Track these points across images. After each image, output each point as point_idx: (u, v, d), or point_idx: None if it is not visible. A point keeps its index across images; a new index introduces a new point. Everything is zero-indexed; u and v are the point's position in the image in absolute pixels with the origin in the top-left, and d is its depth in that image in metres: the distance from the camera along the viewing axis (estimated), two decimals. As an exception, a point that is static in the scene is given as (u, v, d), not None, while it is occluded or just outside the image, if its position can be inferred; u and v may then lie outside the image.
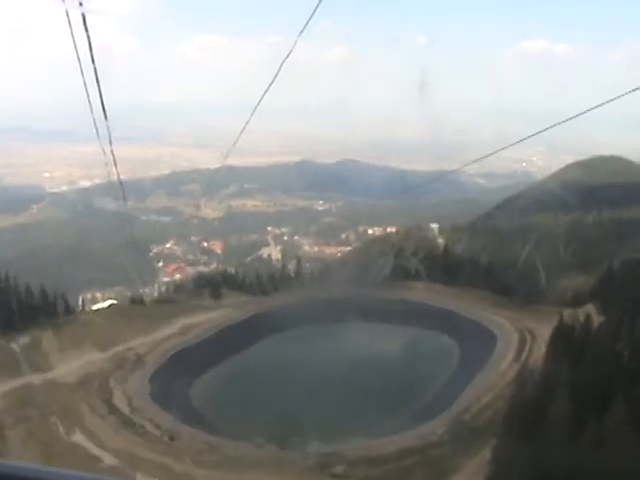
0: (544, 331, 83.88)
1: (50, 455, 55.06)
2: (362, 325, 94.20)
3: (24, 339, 78.48)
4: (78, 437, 59.28)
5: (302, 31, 11.04)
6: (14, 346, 76.69)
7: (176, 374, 75.73)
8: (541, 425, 50.29)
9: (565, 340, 68.13)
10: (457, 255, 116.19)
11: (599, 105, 11.23)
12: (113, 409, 66.06)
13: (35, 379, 69.19)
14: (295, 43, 11.74)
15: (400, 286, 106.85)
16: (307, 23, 10.63)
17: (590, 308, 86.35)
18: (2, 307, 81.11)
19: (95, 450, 57.36)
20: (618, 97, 11.11)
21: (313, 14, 10.33)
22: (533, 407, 54.02)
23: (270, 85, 13.10)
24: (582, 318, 78.66)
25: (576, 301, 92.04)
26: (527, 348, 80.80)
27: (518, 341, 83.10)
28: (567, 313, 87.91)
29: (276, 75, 12.57)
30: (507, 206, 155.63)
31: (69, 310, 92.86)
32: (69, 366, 73.57)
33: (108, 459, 55.84)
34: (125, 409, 66.45)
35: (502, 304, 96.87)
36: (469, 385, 72.80)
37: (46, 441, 58.03)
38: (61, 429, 60.16)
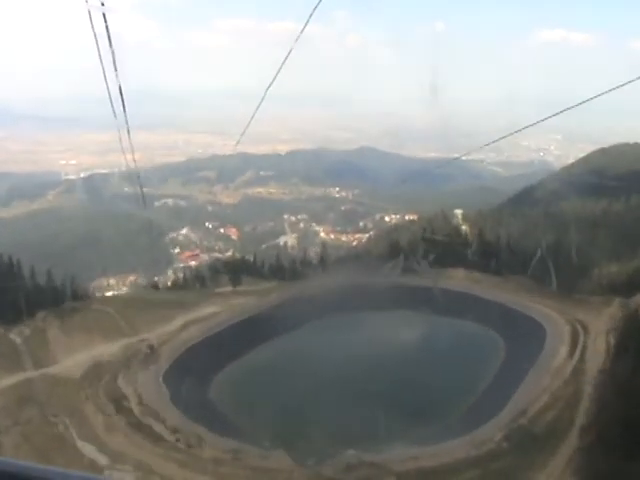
0: (597, 323, 74.52)
1: (49, 464, 45.11)
2: (396, 315, 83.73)
3: (26, 329, 68.71)
4: (82, 442, 49.61)
5: (309, 18, 11.59)
6: (15, 337, 67.00)
7: (194, 369, 65.06)
8: (628, 434, 40.56)
9: (635, 334, 58.01)
10: (491, 242, 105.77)
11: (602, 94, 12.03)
12: (122, 409, 56.10)
13: (36, 374, 59.63)
14: (302, 30, 12.69)
15: (434, 273, 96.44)
16: (314, 10, 10.96)
17: (640, 299, 77.21)
18: (5, 294, 71.45)
19: (101, 458, 47.83)
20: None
21: (319, 3, 10.64)
22: (618, 413, 44.09)
23: (278, 72, 13.88)
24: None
25: (620, 290, 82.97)
26: (581, 342, 70.22)
27: (570, 334, 72.41)
28: (618, 303, 79.12)
29: (284, 61, 13.39)
30: (532, 193, 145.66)
31: (78, 297, 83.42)
32: (74, 359, 63.74)
33: (115, 469, 46.27)
34: (136, 409, 56.39)
35: (544, 293, 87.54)
36: (521, 384, 62.35)
37: (45, 447, 48.57)
38: (63, 433, 50.55)
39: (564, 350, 68.18)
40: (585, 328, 73.71)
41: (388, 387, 65.36)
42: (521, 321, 79.09)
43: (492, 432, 53.33)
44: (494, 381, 68.07)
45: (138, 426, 53.26)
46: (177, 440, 51.33)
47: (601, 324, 74.28)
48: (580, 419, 53.17)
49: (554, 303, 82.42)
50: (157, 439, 51.36)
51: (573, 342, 70.22)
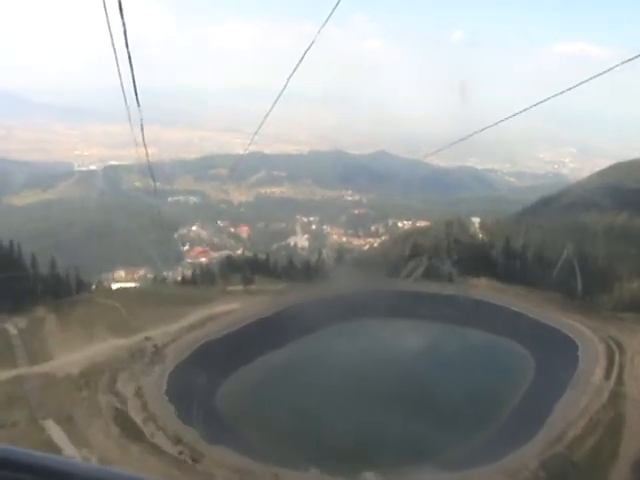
0: (631, 342, 68.20)
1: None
2: (416, 324, 77.22)
3: (22, 321, 62.54)
4: (72, 451, 43.18)
5: (327, 20, 10.76)
6: (11, 329, 60.79)
7: (201, 373, 58.57)
8: None
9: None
10: (513, 251, 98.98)
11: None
12: (122, 416, 49.77)
13: (28, 372, 53.46)
14: (319, 32, 11.63)
15: (458, 281, 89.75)
16: (332, 12, 10.38)
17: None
18: (4, 284, 65.15)
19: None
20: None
21: (337, 4, 10.07)
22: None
23: (293, 72, 12.86)
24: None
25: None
26: (617, 362, 63.65)
27: (605, 353, 65.81)
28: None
29: (299, 62, 12.30)
30: (548, 204, 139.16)
31: (82, 289, 77.51)
32: (72, 356, 57.56)
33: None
34: (137, 416, 50.08)
35: (570, 306, 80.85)
36: (554, 406, 55.78)
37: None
38: (52, 439, 44.20)
39: (600, 370, 61.77)
40: (620, 347, 67.37)
41: (409, 404, 58.78)
42: (549, 335, 72.63)
43: (527, 458, 46.98)
44: (524, 401, 61.49)
45: (137, 435, 47.04)
46: (180, 453, 45.11)
47: (637, 344, 68.09)
48: (626, 449, 46.92)
49: (582, 317, 76.37)
50: (158, 451, 45.10)
51: (609, 362, 63.82)
